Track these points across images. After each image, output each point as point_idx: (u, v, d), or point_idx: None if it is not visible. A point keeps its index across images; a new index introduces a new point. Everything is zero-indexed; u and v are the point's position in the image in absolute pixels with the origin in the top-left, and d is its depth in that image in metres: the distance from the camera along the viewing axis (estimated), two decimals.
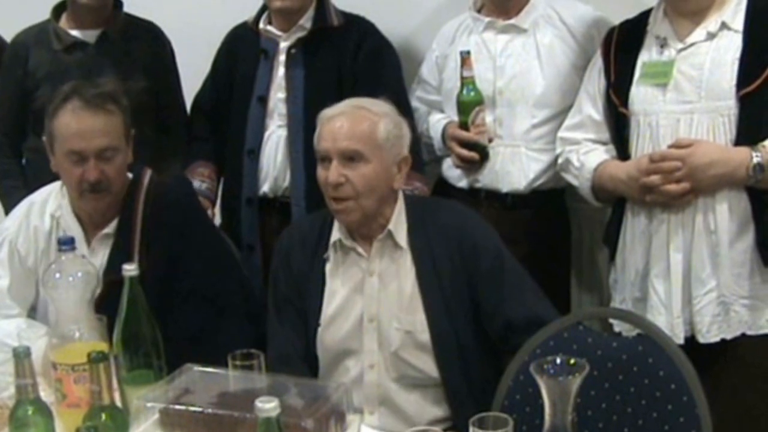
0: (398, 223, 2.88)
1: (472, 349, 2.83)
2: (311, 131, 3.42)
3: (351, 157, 2.79)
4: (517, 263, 2.88)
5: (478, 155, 3.38)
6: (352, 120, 2.82)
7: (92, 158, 2.91)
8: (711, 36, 2.94)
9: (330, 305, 2.90)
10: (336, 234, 2.91)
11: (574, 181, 3.24)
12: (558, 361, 2.01)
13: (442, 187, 3.59)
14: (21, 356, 2.15)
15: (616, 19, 3.23)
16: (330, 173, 2.79)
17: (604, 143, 3.18)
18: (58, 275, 2.53)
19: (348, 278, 2.90)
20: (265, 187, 3.65)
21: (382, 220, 2.87)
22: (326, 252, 2.92)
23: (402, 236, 2.87)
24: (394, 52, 3.72)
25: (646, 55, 3.05)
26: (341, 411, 2.35)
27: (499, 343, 2.83)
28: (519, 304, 2.79)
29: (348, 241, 2.89)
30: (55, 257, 2.85)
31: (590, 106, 3.19)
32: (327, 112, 2.88)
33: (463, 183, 3.50)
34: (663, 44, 3.02)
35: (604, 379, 2.51)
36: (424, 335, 2.81)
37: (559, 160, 3.29)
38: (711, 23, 2.94)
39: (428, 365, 2.82)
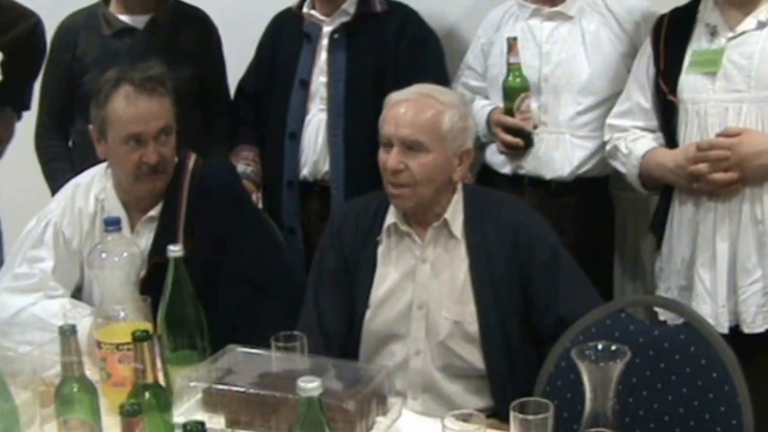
0: (455, 213, 2.86)
1: (519, 343, 2.82)
2: (351, 116, 3.48)
3: (411, 146, 2.77)
4: (573, 261, 2.86)
5: (522, 141, 3.38)
6: (417, 107, 2.79)
7: (151, 141, 2.94)
8: (761, 25, 2.93)
9: (380, 289, 2.89)
10: (391, 218, 2.91)
11: (622, 168, 3.23)
12: (599, 346, 2.01)
13: (486, 173, 3.59)
14: (67, 334, 2.15)
15: (666, 8, 3.21)
16: (390, 159, 2.78)
17: (652, 131, 3.17)
18: (103, 255, 2.55)
19: (400, 263, 2.89)
20: (305, 171, 3.66)
21: (438, 209, 2.85)
22: (379, 235, 2.92)
23: (458, 226, 2.85)
24: (437, 40, 3.72)
25: (696, 44, 3.05)
26: (383, 394, 2.36)
27: (548, 339, 2.78)
28: (573, 302, 2.77)
29: (403, 226, 2.88)
30: (101, 238, 2.88)
31: (639, 94, 3.18)
32: (394, 96, 2.87)
33: (506, 169, 3.49)
34: (713, 32, 3.01)
35: (646, 366, 2.51)
36: (473, 327, 2.80)
37: (608, 147, 3.28)
38: (762, 12, 2.94)
39: (474, 356, 2.81)
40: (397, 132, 2.78)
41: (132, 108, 2.94)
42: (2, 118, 3.99)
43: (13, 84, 3.86)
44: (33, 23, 3.89)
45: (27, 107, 3.97)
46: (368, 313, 2.89)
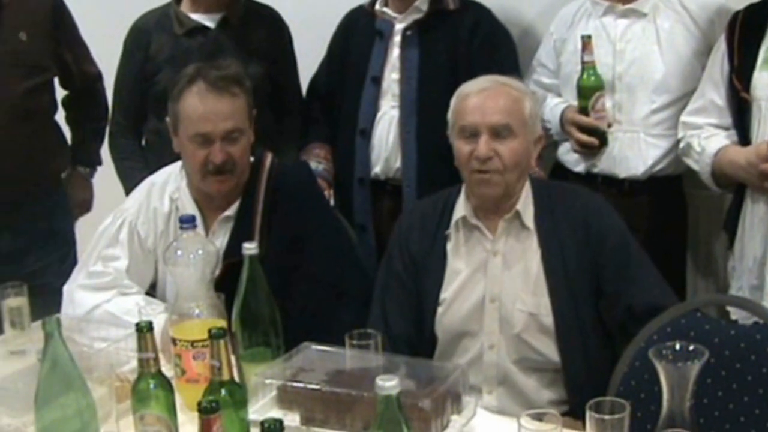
0: (526, 204, 2.87)
1: (593, 335, 2.81)
2: (424, 113, 3.47)
3: (501, 132, 2.79)
4: (642, 251, 2.85)
5: (597, 141, 3.37)
6: (498, 95, 2.83)
7: (218, 140, 2.95)
8: None
9: (451, 285, 2.89)
10: (460, 211, 2.91)
11: (695, 166, 3.21)
12: (677, 346, 1.99)
13: (559, 171, 3.57)
14: (144, 330, 2.17)
15: (740, 4, 3.17)
16: (480, 147, 2.79)
17: (725, 128, 3.15)
18: (179, 253, 2.57)
19: (471, 258, 2.89)
20: (376, 169, 3.67)
21: (513, 199, 2.86)
22: (447, 229, 2.92)
23: (529, 217, 2.85)
24: (510, 37, 3.71)
25: None
26: (457, 392, 2.35)
27: (615, 330, 2.80)
28: (642, 292, 2.76)
29: (473, 219, 2.89)
30: (176, 235, 2.91)
31: (713, 91, 3.15)
32: (470, 88, 2.88)
33: (580, 168, 3.48)
34: None
35: (721, 367, 2.48)
36: (548, 318, 2.79)
37: (681, 145, 3.25)
38: None
39: (550, 349, 2.81)
40: (485, 119, 2.80)
41: (201, 107, 2.96)
42: (77, 179, 4.06)
43: (81, 140, 4.00)
44: (99, 71, 3.99)
45: (99, 162, 4.03)
46: (440, 311, 2.89)
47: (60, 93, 3.94)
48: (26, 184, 3.66)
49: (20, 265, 3.63)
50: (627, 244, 2.84)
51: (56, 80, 3.87)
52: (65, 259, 3.34)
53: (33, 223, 3.72)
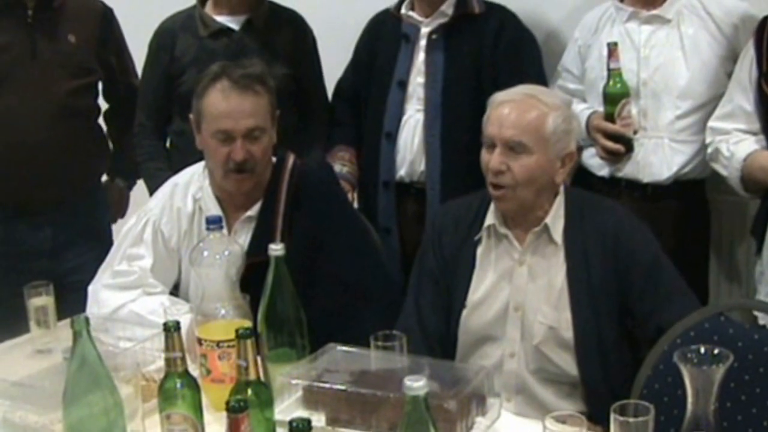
0: (556, 218, 2.85)
1: (613, 351, 2.79)
2: (448, 116, 3.47)
3: (514, 147, 2.77)
4: (674, 269, 2.83)
5: (623, 147, 3.37)
6: (520, 109, 2.79)
7: (239, 138, 2.96)
8: None
9: (478, 289, 2.89)
10: (490, 218, 2.90)
11: (723, 171, 3.20)
12: (702, 350, 1.99)
13: (582, 175, 3.56)
14: (171, 330, 2.19)
15: (765, 9, 3.16)
16: (492, 160, 2.78)
17: (754, 133, 3.13)
18: (205, 253, 2.58)
19: (498, 265, 2.89)
20: (401, 171, 3.68)
21: (541, 212, 2.84)
22: (478, 234, 2.92)
23: (558, 232, 2.84)
24: (535, 42, 3.72)
25: None
26: (482, 394, 2.36)
27: (644, 345, 2.76)
28: (674, 312, 2.71)
29: (502, 228, 2.88)
30: (203, 236, 2.91)
31: (741, 96, 3.14)
32: (498, 97, 2.86)
33: (603, 172, 3.48)
34: None
35: (745, 371, 2.47)
36: (568, 333, 2.78)
37: (709, 150, 3.25)
38: None
39: (568, 363, 2.80)
40: (500, 133, 2.78)
41: (224, 104, 2.97)
42: (114, 190, 4.13)
43: (121, 152, 4.04)
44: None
45: (138, 176, 4.05)
46: (464, 313, 2.89)
47: (103, 105, 4.01)
48: (68, 182, 3.73)
49: (60, 261, 3.72)
50: (658, 262, 2.81)
51: (100, 89, 3.95)
52: (102, 258, 3.38)
53: (73, 221, 3.78)
